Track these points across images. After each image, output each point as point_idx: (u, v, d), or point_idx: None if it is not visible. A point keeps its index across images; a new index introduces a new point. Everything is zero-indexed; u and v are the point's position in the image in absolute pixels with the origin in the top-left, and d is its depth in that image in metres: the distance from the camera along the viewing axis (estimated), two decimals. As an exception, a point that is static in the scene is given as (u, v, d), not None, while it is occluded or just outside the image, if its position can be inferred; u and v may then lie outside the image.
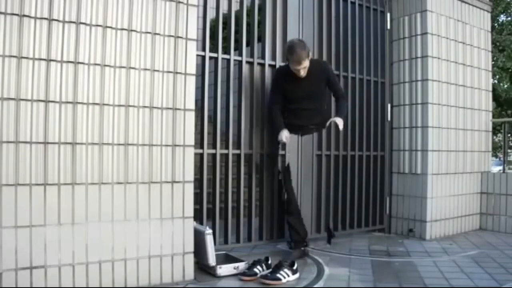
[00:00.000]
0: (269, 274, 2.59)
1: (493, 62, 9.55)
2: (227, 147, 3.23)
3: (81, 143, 2.27)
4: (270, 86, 3.35)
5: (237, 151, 3.28)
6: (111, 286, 2.32)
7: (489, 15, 4.46)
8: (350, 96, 3.84)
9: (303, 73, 3.06)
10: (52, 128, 2.19)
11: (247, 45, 3.35)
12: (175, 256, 2.53)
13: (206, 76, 3.10)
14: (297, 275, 2.66)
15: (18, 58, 2.10)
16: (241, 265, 2.72)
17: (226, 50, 3.27)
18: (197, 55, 2.85)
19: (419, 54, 3.91)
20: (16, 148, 2.10)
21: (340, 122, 3.10)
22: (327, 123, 3.16)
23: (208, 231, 2.69)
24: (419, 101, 3.90)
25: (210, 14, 3.21)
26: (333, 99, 3.38)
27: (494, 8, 10.45)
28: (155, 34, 2.50)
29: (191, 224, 2.60)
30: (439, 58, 3.92)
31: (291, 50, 3.00)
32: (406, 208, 3.98)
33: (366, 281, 2.63)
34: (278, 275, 2.56)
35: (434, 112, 3.87)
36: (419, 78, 3.91)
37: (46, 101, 2.18)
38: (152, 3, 2.49)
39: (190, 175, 2.61)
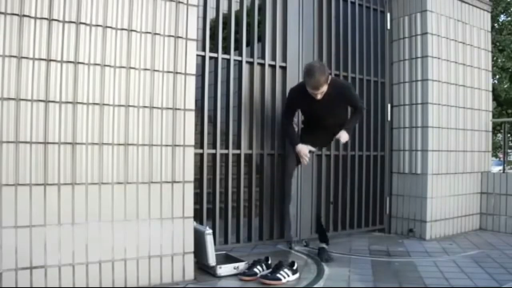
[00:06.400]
0: (269, 274, 2.59)
1: (493, 62, 9.55)
2: (227, 147, 3.23)
3: (81, 143, 2.27)
4: (284, 104, 3.32)
5: (237, 151, 3.28)
6: (111, 286, 2.32)
7: (489, 15, 4.46)
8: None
9: (320, 96, 2.98)
10: (52, 128, 2.19)
11: (247, 45, 3.35)
12: (175, 256, 2.53)
13: (206, 76, 3.10)
14: (297, 275, 2.66)
15: (18, 58, 2.10)
16: (241, 265, 2.72)
17: (226, 50, 3.27)
18: (197, 55, 2.85)
19: (419, 54, 3.91)
20: (16, 148, 2.10)
21: (343, 137, 3.10)
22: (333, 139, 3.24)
23: (208, 231, 2.69)
24: (419, 101, 3.90)
25: (210, 14, 3.21)
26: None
27: (494, 8, 10.45)
28: (155, 34, 2.50)
29: (191, 224, 2.60)
30: (439, 58, 3.92)
31: (310, 73, 2.91)
32: (406, 208, 3.98)
33: (366, 281, 2.63)
34: (278, 275, 2.56)
35: (434, 112, 3.87)
36: (419, 78, 3.91)
37: (46, 101, 2.18)
38: (152, 3, 2.49)
39: (190, 175, 2.61)
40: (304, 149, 3.10)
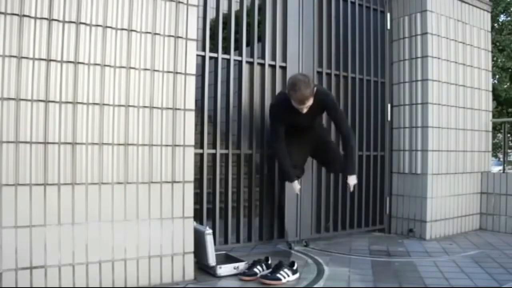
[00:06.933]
0: (269, 274, 2.59)
1: (493, 62, 9.54)
2: (227, 147, 3.23)
3: (81, 143, 2.27)
4: (269, 121, 3.23)
5: (237, 151, 3.28)
6: (111, 286, 2.32)
7: (489, 15, 4.46)
8: (350, 96, 3.85)
9: (306, 110, 2.94)
10: (52, 128, 2.19)
11: (247, 45, 3.35)
12: (175, 256, 2.53)
13: (206, 76, 3.10)
14: (297, 275, 2.66)
15: (18, 58, 2.10)
16: (241, 265, 2.72)
17: (226, 50, 3.27)
18: (197, 55, 2.85)
19: (419, 54, 3.91)
20: (16, 148, 2.10)
21: (352, 181, 3.16)
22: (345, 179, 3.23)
23: (208, 231, 2.70)
24: (419, 101, 3.90)
25: (210, 14, 3.21)
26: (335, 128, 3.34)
27: (494, 8, 10.45)
28: (155, 34, 2.50)
29: (191, 224, 2.60)
30: (439, 58, 3.92)
31: (295, 87, 2.83)
32: (406, 208, 3.98)
33: (366, 281, 2.63)
34: (278, 275, 2.56)
35: (434, 112, 3.87)
36: (419, 78, 3.91)
37: (46, 101, 2.18)
38: (152, 3, 2.49)
39: (190, 175, 2.61)
40: (296, 186, 3.20)
